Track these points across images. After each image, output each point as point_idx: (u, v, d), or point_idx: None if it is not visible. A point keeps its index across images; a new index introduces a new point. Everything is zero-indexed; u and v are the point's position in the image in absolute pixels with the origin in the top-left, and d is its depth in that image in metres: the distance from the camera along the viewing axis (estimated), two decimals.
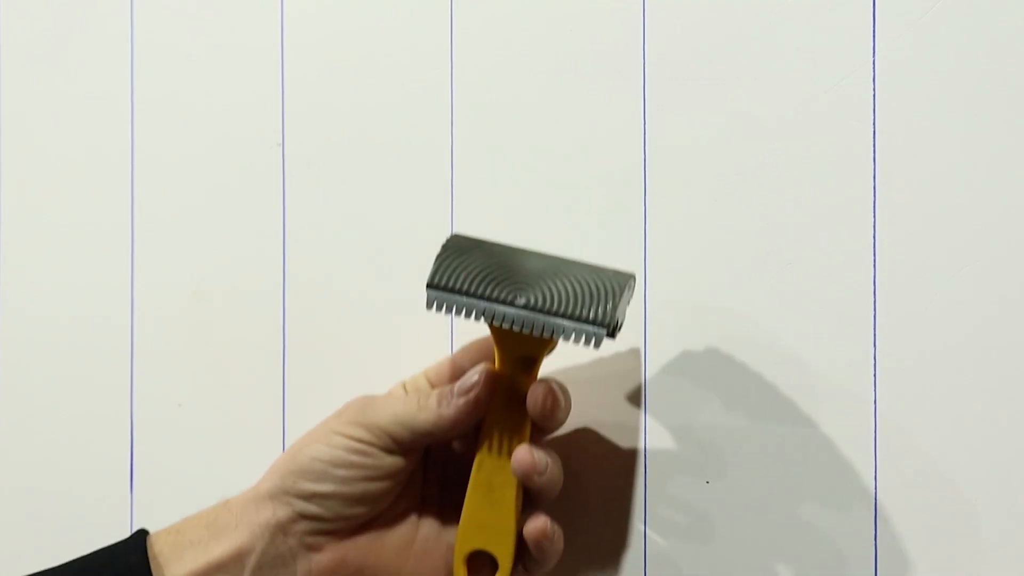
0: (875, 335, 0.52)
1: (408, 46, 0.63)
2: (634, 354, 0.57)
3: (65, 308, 0.71)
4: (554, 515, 0.54)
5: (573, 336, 0.49)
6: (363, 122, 0.64)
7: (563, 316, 0.49)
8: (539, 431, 0.54)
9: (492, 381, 0.53)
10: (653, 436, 0.57)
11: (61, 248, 0.71)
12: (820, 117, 0.53)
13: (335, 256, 0.64)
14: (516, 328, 0.50)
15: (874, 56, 0.53)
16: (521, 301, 0.49)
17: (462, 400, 0.52)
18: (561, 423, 0.54)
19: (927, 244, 0.52)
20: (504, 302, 0.50)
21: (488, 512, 0.53)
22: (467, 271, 0.51)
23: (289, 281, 0.65)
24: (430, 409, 0.52)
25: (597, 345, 0.49)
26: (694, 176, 0.56)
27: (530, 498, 0.54)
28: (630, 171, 0.57)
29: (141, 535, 0.53)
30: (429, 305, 0.51)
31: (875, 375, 0.52)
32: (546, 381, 0.52)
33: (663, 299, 0.57)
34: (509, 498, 0.53)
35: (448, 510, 0.55)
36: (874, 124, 0.53)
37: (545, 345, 0.53)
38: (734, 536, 0.55)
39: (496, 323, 0.50)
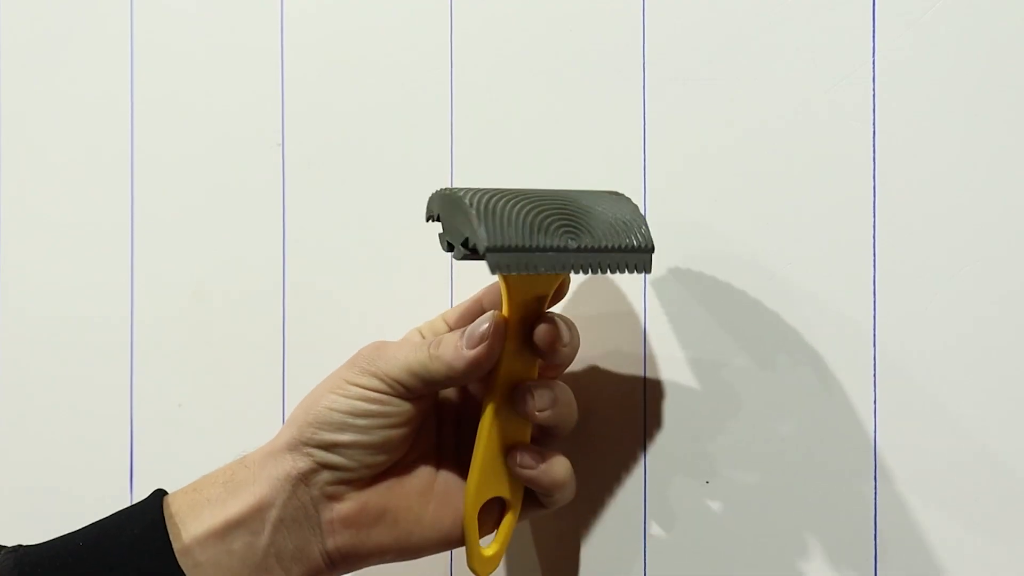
0: (875, 335, 0.53)
1: (408, 46, 0.63)
2: (634, 353, 0.57)
3: (65, 308, 0.71)
4: (548, 520, 0.54)
5: (627, 269, 0.50)
6: (363, 122, 0.64)
7: (614, 251, 0.50)
8: (551, 369, 0.55)
9: (503, 328, 0.52)
10: (653, 436, 0.57)
11: (61, 248, 0.71)
12: (820, 117, 0.54)
13: (335, 256, 0.64)
14: (575, 272, 0.50)
15: (874, 56, 0.53)
16: (573, 245, 0.50)
17: (472, 352, 0.51)
18: (570, 358, 0.54)
19: (927, 244, 0.52)
20: (559, 248, 0.50)
21: (498, 460, 0.53)
22: (513, 222, 0.50)
23: (289, 281, 0.65)
24: (441, 360, 0.52)
25: (649, 270, 0.51)
26: (694, 176, 0.56)
27: (544, 438, 0.54)
28: (630, 171, 0.57)
29: (158, 495, 0.53)
30: (494, 270, 0.49)
31: (875, 375, 0.52)
32: (551, 316, 0.52)
33: (663, 299, 0.57)
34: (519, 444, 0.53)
35: (465, 450, 0.55)
36: (874, 124, 0.53)
37: (554, 282, 0.53)
38: (733, 536, 0.55)
39: (559, 271, 0.50)
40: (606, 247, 0.50)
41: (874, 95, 0.53)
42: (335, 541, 0.52)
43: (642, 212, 0.52)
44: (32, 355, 0.72)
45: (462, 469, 0.55)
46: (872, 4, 0.53)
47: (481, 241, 0.48)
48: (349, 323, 0.64)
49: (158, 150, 0.69)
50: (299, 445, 0.52)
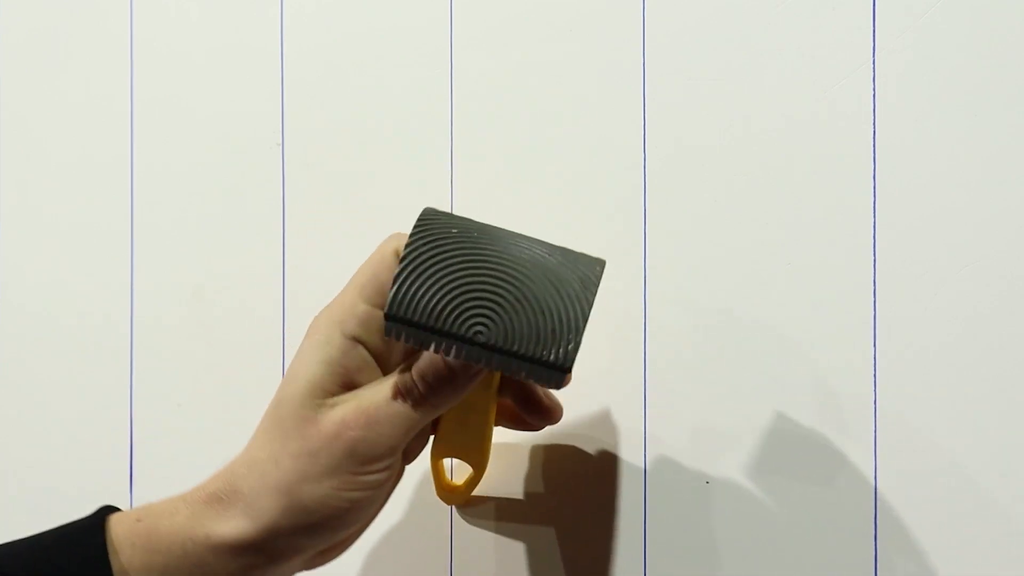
0: (875, 335, 0.52)
1: (408, 46, 0.63)
2: (634, 353, 0.57)
3: (65, 308, 0.71)
4: (548, 520, 0.54)
5: (535, 379, 0.47)
6: (363, 122, 0.64)
7: (522, 358, 0.46)
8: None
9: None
10: (653, 437, 0.57)
11: (61, 248, 0.71)
12: (820, 117, 0.53)
13: (335, 256, 0.64)
14: (473, 363, 0.47)
15: (874, 56, 0.53)
16: (481, 339, 0.46)
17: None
18: None
19: (927, 244, 0.52)
20: (462, 338, 0.46)
21: (463, 432, 0.53)
22: (429, 293, 0.47)
23: (289, 281, 0.65)
24: (436, 410, 0.48)
25: (559, 386, 0.47)
26: (694, 176, 0.56)
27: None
28: (630, 171, 0.57)
29: (99, 530, 0.49)
30: (387, 333, 0.47)
31: (875, 375, 0.52)
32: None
33: (663, 299, 0.57)
34: (485, 421, 0.53)
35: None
36: (874, 124, 0.53)
37: None
38: (733, 536, 0.55)
39: (454, 359, 0.47)
40: (515, 351, 0.46)
41: (874, 95, 0.53)
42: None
43: (588, 311, 0.47)
44: (32, 355, 0.72)
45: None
46: (872, 4, 0.53)
47: (387, 305, 0.46)
48: None
49: (158, 150, 0.69)
50: (294, 540, 0.48)
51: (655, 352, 0.57)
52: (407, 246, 0.47)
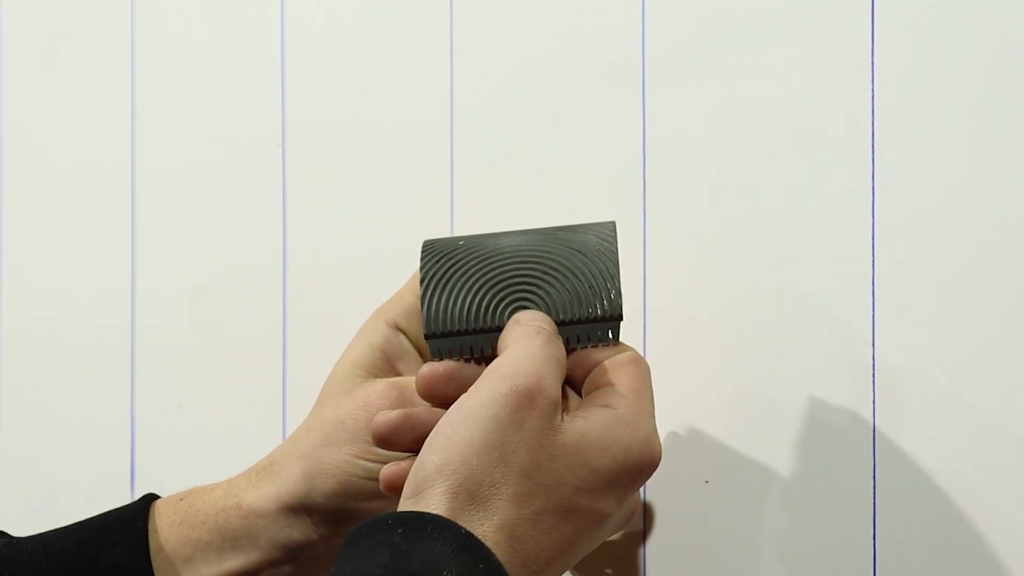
0: (875, 335, 0.52)
1: (408, 46, 0.63)
2: None
3: (66, 309, 0.71)
4: None
5: (589, 340, 0.48)
6: (363, 122, 0.64)
7: (573, 323, 0.47)
8: None
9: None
10: None
11: (62, 249, 0.72)
12: (819, 117, 0.53)
13: (335, 257, 0.64)
14: None
15: (874, 56, 0.53)
16: None
17: None
18: None
19: (926, 244, 0.52)
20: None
21: None
22: (459, 302, 0.48)
23: (289, 281, 0.65)
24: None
25: (615, 339, 0.48)
26: (694, 176, 0.56)
27: None
28: (630, 171, 0.57)
29: (142, 515, 0.51)
30: (437, 356, 0.48)
31: (874, 375, 0.52)
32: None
33: (662, 299, 0.57)
34: None
35: None
36: (874, 124, 0.53)
37: None
38: (733, 536, 0.55)
39: None
40: (563, 320, 0.47)
41: (874, 95, 0.53)
42: None
43: (617, 259, 0.48)
44: (33, 355, 0.72)
45: None
46: (872, 4, 0.53)
47: (423, 326, 0.48)
48: (349, 324, 0.64)
49: (158, 151, 0.69)
50: (317, 511, 0.49)
51: (654, 352, 0.57)
52: (422, 268, 0.49)
